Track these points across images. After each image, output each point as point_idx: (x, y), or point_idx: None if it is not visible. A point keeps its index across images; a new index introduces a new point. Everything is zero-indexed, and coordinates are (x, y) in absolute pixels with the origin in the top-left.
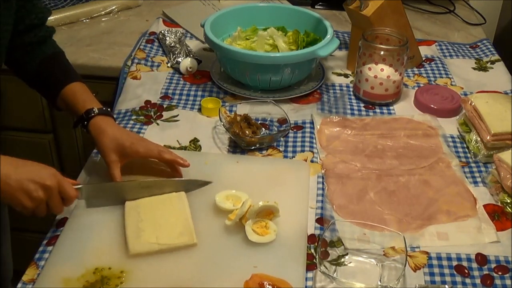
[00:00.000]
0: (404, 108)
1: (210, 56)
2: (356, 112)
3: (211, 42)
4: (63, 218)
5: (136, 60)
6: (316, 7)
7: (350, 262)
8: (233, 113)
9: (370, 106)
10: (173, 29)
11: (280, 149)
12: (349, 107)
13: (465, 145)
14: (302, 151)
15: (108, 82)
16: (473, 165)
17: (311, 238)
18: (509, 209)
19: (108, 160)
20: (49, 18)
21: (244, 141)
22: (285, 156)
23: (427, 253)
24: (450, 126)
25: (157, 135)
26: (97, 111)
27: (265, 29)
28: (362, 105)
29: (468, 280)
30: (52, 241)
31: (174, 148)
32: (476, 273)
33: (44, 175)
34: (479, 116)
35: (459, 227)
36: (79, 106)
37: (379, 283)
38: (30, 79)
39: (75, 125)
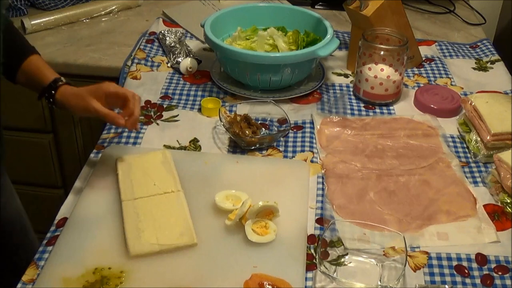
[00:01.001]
0: (404, 108)
1: (210, 56)
2: (356, 112)
3: (211, 42)
4: (63, 218)
5: (136, 60)
6: (316, 7)
7: (350, 262)
8: (233, 113)
9: (370, 106)
10: (173, 29)
11: (280, 149)
12: (349, 107)
13: (465, 145)
14: (302, 151)
15: None
16: (473, 165)
17: (311, 238)
18: (509, 209)
19: (87, 103)
20: (49, 18)
21: (244, 141)
22: (285, 156)
23: (427, 253)
24: (450, 126)
25: (157, 135)
26: (64, 80)
27: (265, 29)
28: (362, 105)
29: (468, 280)
30: (52, 241)
31: (174, 148)
32: (476, 273)
33: None
34: (479, 116)
35: (459, 227)
36: (43, 78)
37: (379, 283)
38: None
39: (40, 97)
